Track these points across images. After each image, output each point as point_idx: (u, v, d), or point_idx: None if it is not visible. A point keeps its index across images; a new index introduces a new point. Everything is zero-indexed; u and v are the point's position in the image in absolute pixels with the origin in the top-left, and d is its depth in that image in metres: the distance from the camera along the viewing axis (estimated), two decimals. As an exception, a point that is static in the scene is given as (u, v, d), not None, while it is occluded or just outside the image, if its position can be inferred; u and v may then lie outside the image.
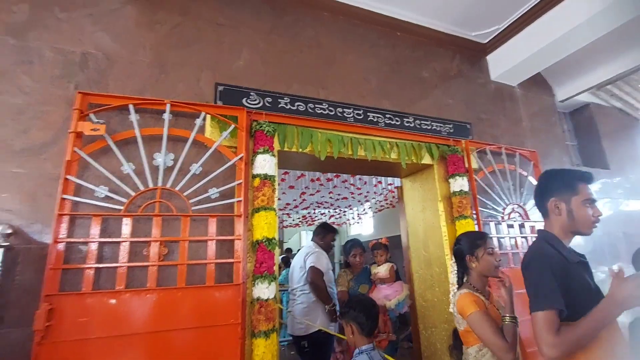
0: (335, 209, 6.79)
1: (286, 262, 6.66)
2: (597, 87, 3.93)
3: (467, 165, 2.80)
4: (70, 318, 1.59)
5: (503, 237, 2.79)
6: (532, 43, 3.01)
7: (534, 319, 1.17)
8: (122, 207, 1.79)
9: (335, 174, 4.64)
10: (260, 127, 2.15)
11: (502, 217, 2.83)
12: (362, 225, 9.00)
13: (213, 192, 1.99)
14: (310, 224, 8.28)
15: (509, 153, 3.03)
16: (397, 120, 2.75)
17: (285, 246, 10.49)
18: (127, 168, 1.85)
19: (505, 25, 3.18)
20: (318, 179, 4.84)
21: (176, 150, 1.99)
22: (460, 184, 2.68)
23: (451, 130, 2.95)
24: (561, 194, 1.35)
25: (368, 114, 2.66)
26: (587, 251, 3.12)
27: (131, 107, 1.92)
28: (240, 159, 2.06)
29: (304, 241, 11.05)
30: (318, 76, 2.59)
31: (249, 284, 1.94)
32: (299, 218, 7.36)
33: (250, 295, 1.92)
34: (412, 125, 2.80)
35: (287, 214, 6.88)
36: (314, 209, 6.63)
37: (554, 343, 1.11)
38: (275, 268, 2.02)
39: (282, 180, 4.70)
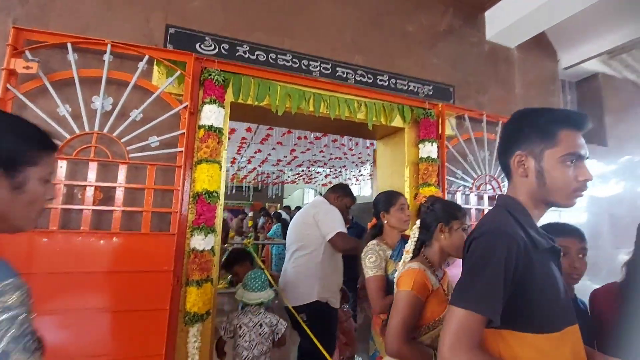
0: (329, 168, 6.72)
1: (278, 218, 6.78)
2: (609, 55, 3.57)
3: (440, 130, 2.64)
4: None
5: (470, 208, 2.69)
6: None
7: (451, 312, 0.85)
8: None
9: (323, 133, 4.52)
10: (210, 75, 2.04)
11: (472, 188, 2.72)
12: (360, 187, 8.97)
13: (153, 140, 1.94)
14: (307, 182, 8.30)
15: (490, 121, 2.84)
16: (369, 78, 2.57)
17: (285, 202, 10.67)
18: (63, 110, 1.81)
19: (508, -24, 2.84)
20: (305, 137, 4.74)
21: (119, 94, 1.92)
22: (428, 150, 2.55)
23: (430, 92, 2.76)
24: (531, 145, 0.94)
25: (337, 68, 2.49)
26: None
27: (69, 45, 1.83)
28: (185, 108, 1.98)
29: (306, 199, 11.16)
30: (285, 24, 2.41)
31: (189, 234, 1.95)
32: (294, 175, 7.35)
33: (188, 245, 1.94)
34: (386, 84, 2.62)
35: (281, 170, 6.87)
36: (308, 167, 6.58)
37: (457, 356, 0.80)
38: (218, 221, 2.03)
39: (268, 135, 4.62)
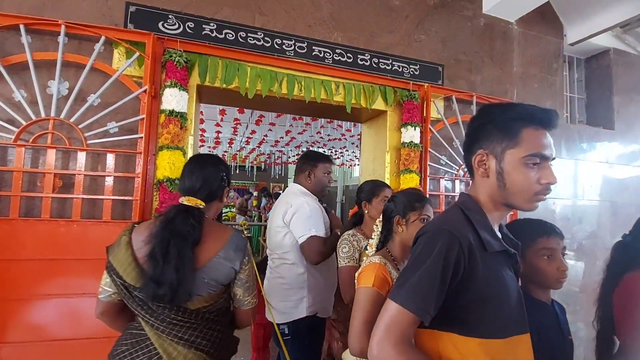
0: (329, 149, 6.61)
1: (270, 195, 6.76)
2: (623, 29, 3.27)
3: (425, 113, 2.49)
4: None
5: (453, 195, 2.57)
6: None
7: (385, 305, 0.82)
8: (12, 137, 1.74)
9: (301, 116, 4.38)
10: (171, 57, 1.94)
11: (457, 175, 2.58)
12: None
13: (112, 126, 1.88)
14: (309, 162, 8.22)
15: (481, 102, 2.66)
16: (349, 57, 2.42)
17: (289, 182, 10.66)
18: (18, 95, 1.76)
19: (508, -59, 2.57)
20: (301, 118, 4.61)
21: (78, 78, 1.85)
22: (411, 134, 2.41)
23: (416, 72, 2.59)
24: (492, 144, 0.88)
25: (313, 47, 2.35)
26: (561, 219, 2.93)
27: (22, 27, 1.76)
28: (145, 91, 1.90)
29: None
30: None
31: (152, 222, 1.92)
32: (294, 156, 7.26)
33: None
34: (367, 63, 2.46)
35: (280, 150, 6.79)
36: (307, 148, 6.48)
37: (384, 349, 0.77)
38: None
39: (262, 116, 4.51)
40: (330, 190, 8.58)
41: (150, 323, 1.11)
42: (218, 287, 1.17)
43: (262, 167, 9.32)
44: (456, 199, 2.52)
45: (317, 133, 5.39)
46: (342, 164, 7.65)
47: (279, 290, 1.91)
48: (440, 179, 2.54)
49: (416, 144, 2.41)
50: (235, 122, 4.74)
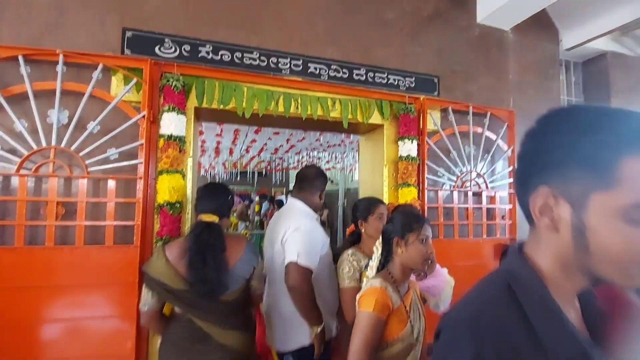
0: (329, 154, 6.63)
1: (279, 205, 6.78)
2: (620, 32, 3.27)
3: (421, 126, 2.50)
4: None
5: (451, 206, 2.58)
6: None
7: None
8: (14, 167, 1.78)
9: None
10: (168, 81, 1.97)
11: (455, 186, 2.60)
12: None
13: (112, 152, 1.91)
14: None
15: (478, 113, 2.67)
16: (344, 73, 2.44)
17: (291, 186, 10.70)
18: (19, 126, 1.79)
19: (500, -48, 2.58)
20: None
21: (77, 106, 1.88)
22: (408, 148, 2.43)
23: (412, 85, 2.61)
24: (566, 180, 0.51)
25: (309, 64, 2.37)
26: None
27: (21, 58, 1.79)
28: (143, 117, 1.93)
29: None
30: (251, 19, 2.28)
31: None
32: (295, 162, 7.30)
33: (154, 256, 1.94)
34: (363, 78, 2.48)
35: (281, 158, 6.82)
36: (308, 153, 6.50)
37: None
38: (184, 230, 2.01)
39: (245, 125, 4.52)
40: (332, 194, 8.59)
41: (198, 315, 1.42)
42: (243, 282, 1.50)
43: (264, 172, 9.35)
44: (455, 210, 2.55)
45: (316, 140, 5.41)
46: (343, 168, 7.68)
47: (280, 318, 1.76)
48: (439, 191, 2.55)
49: (413, 157, 2.42)
50: (235, 132, 4.77)
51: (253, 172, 9.18)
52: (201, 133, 4.63)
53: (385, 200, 2.48)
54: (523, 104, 2.94)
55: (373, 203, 1.91)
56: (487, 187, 2.67)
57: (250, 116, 2.19)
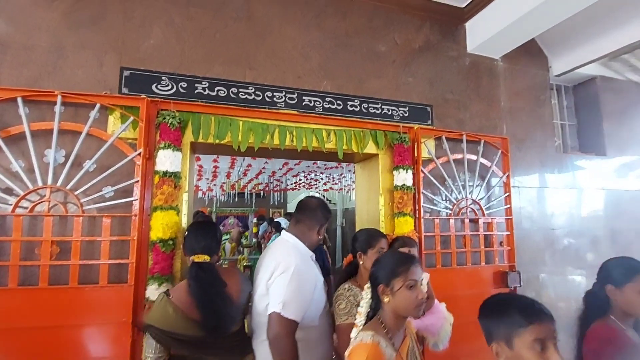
0: (327, 176, 6.65)
1: (277, 227, 6.75)
2: (609, 58, 3.34)
3: (416, 155, 2.53)
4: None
5: (448, 234, 2.58)
6: (521, 4, 2.46)
7: None
8: (10, 206, 1.78)
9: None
10: (165, 119, 1.99)
11: (451, 214, 2.60)
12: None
13: (107, 190, 1.92)
14: (308, 188, 8.24)
15: (472, 140, 2.70)
16: (338, 104, 2.48)
17: (289, 207, 10.67)
18: (16, 166, 1.80)
19: (487, -15, 2.67)
20: (296, 151, 4.67)
21: (74, 144, 1.90)
22: (403, 177, 2.44)
23: (406, 114, 2.65)
24: None
25: (303, 97, 2.41)
26: (562, 248, 2.92)
27: (19, 100, 1.82)
28: (139, 154, 1.95)
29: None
30: (246, 54, 2.34)
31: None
32: (292, 184, 7.32)
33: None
34: (357, 109, 2.52)
35: (278, 179, 6.84)
36: (306, 176, 6.53)
37: None
38: (176, 266, 2.00)
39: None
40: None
41: (212, 354, 1.48)
42: (243, 310, 1.62)
43: (261, 194, 9.35)
44: (452, 238, 2.53)
45: (313, 163, 5.44)
46: (341, 189, 7.70)
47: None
48: (435, 219, 2.55)
49: (408, 186, 2.43)
50: (232, 157, 4.81)
51: (251, 193, 9.19)
52: (198, 159, 4.66)
53: (383, 230, 2.48)
54: (516, 130, 2.98)
55: (374, 236, 1.85)
56: (483, 213, 2.67)
57: (245, 149, 2.22)
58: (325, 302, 1.72)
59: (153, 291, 1.85)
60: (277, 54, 2.41)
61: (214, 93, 2.22)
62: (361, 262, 1.82)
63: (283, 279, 1.51)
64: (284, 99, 2.36)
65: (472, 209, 2.67)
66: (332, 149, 2.40)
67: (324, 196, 9.56)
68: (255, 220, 9.33)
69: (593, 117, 3.51)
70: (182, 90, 2.16)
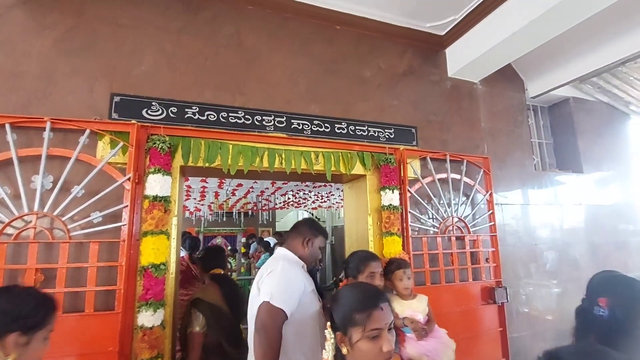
0: (315, 195, 6.69)
1: (266, 247, 6.70)
2: (580, 80, 3.55)
3: (402, 175, 2.60)
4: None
5: (436, 252, 2.63)
6: (496, 33, 2.63)
7: None
8: (-6, 234, 1.75)
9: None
10: (155, 144, 2.01)
11: (438, 232, 2.66)
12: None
13: (96, 216, 1.90)
14: (297, 207, 8.24)
15: (455, 160, 2.80)
16: (326, 127, 2.55)
17: (278, 226, 10.59)
18: (2, 192, 1.78)
19: (464, 14, 2.83)
20: (284, 171, 4.71)
21: (62, 170, 1.89)
22: (390, 197, 2.50)
23: (392, 136, 2.73)
24: None
25: (292, 121, 2.47)
26: (544, 263, 3.00)
27: (7, 126, 1.82)
28: (129, 179, 1.95)
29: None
30: (236, 80, 2.40)
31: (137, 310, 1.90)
32: (281, 203, 7.32)
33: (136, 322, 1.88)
34: (344, 131, 2.59)
35: (267, 199, 6.84)
36: (294, 195, 6.55)
37: None
38: (169, 292, 1.98)
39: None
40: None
41: (229, 339, 2.09)
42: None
43: (250, 213, 9.29)
44: (440, 256, 2.57)
45: (302, 182, 5.48)
46: (330, 206, 7.73)
47: None
48: (422, 238, 2.60)
49: (395, 206, 2.49)
50: (220, 179, 4.81)
51: (239, 213, 9.11)
52: (186, 179, 4.64)
53: (372, 249, 2.51)
54: (497, 149, 3.10)
55: (363, 260, 1.83)
56: (469, 231, 2.74)
57: (235, 172, 2.24)
58: (319, 310, 1.69)
59: (147, 318, 1.82)
60: (266, 79, 2.47)
61: (204, 117, 2.26)
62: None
63: (271, 276, 1.62)
64: (273, 122, 2.42)
65: (458, 227, 2.73)
66: (320, 170, 2.45)
67: (312, 214, 9.54)
68: (243, 240, 9.24)
69: (568, 136, 3.68)
70: (172, 115, 2.19)
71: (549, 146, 3.80)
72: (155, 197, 1.95)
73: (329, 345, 1.06)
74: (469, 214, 2.81)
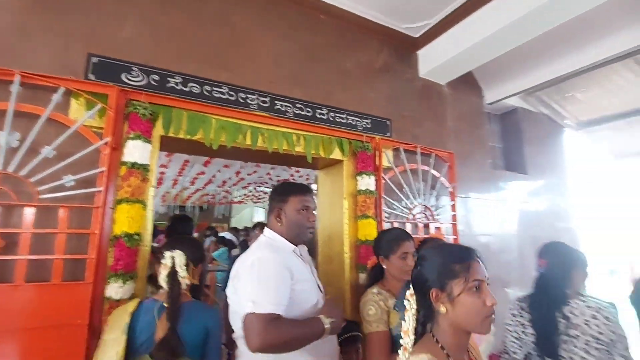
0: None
1: (222, 242, 6.52)
2: (526, 93, 3.98)
3: (377, 163, 2.73)
4: None
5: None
6: (463, 40, 2.89)
7: None
8: (-55, 192, 1.56)
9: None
10: (136, 109, 1.93)
11: (407, 219, 2.83)
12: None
13: (68, 179, 1.77)
14: (255, 202, 8.13)
15: (424, 153, 3.00)
16: (308, 112, 2.61)
17: (233, 222, 10.35)
18: (-42, 147, 1.60)
19: (437, 20, 3.06)
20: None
21: (29, 129, 1.73)
22: (366, 182, 2.62)
23: (369, 126, 2.86)
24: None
25: (275, 102, 2.49)
26: (497, 250, 3.31)
27: (-31, 76, 1.64)
28: (106, 143, 1.85)
29: (256, 219, 10.86)
30: (221, 56, 2.37)
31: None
32: (241, 196, 7.18)
33: (106, 293, 1.78)
34: (325, 117, 2.67)
35: (227, 190, 6.67)
36: (255, 188, 6.47)
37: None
38: (142, 265, 1.89)
39: (212, 158, 4.48)
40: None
41: None
42: None
43: (205, 206, 8.97)
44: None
45: (266, 174, 5.45)
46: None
47: None
48: (394, 223, 2.75)
49: (372, 191, 2.61)
50: (183, 164, 4.63)
51: (193, 206, 8.77)
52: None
53: (346, 231, 2.61)
54: (459, 147, 3.37)
55: (395, 239, 1.68)
56: (434, 219, 2.95)
57: (217, 148, 2.21)
58: (317, 298, 1.48)
59: (116, 290, 1.72)
60: (251, 58, 2.47)
61: (187, 89, 2.20)
62: (385, 267, 1.69)
63: (247, 275, 1.35)
64: (257, 101, 2.42)
65: (425, 215, 2.93)
66: (301, 152, 2.50)
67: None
68: (196, 235, 8.88)
69: (516, 142, 4.11)
70: (153, 83, 2.10)
71: (499, 150, 4.20)
72: (133, 164, 1.86)
73: (409, 316, 0.99)
74: (434, 204, 3.02)
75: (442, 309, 0.92)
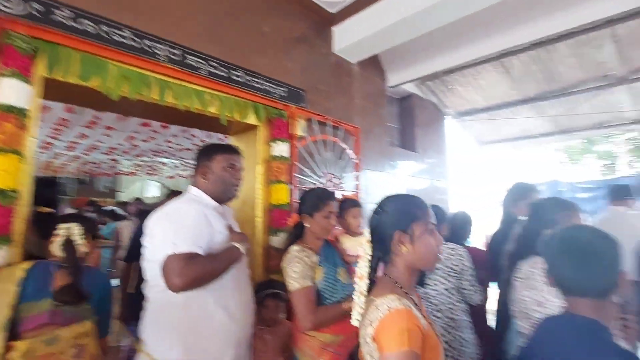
0: (178, 159, 6.16)
1: (112, 216, 5.81)
2: (420, 81, 4.52)
3: (291, 131, 2.79)
4: None
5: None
6: (374, 22, 3.04)
7: None
8: None
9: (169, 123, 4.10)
10: (12, 40, 1.57)
11: (316, 185, 2.99)
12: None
13: None
14: (150, 174, 7.39)
15: (334, 125, 3.18)
16: (223, 72, 2.48)
17: (122, 196, 9.24)
18: None
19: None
20: (148, 124, 4.20)
21: None
22: (281, 149, 2.66)
23: (284, 94, 2.88)
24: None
25: (187, 56, 2.30)
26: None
27: None
28: (-33, 78, 1.47)
29: (149, 193, 9.87)
30: (125, -5, 2.07)
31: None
32: (133, 166, 6.42)
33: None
34: (241, 80, 2.58)
35: (115, 159, 5.89)
36: (151, 157, 5.86)
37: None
38: (19, 228, 1.59)
39: (98, 118, 3.88)
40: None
41: None
42: None
43: (87, 178, 7.74)
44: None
45: (165, 141, 4.98)
46: (192, 176, 7.25)
47: (151, 325, 1.39)
48: (305, 189, 2.87)
49: (286, 157, 2.67)
50: (60, 122, 3.90)
51: (69, 178, 7.49)
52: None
53: (259, 196, 2.63)
54: (364, 123, 3.66)
55: (322, 198, 1.72)
56: (341, 187, 3.18)
57: (118, 99, 1.95)
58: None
59: (-16, 255, 1.43)
60: (163, 5, 2.23)
61: (80, 27, 1.87)
62: (307, 225, 1.71)
63: (163, 221, 1.37)
64: (166, 52, 2.20)
65: (332, 183, 3.13)
66: (215, 114, 2.39)
67: (165, 186, 8.69)
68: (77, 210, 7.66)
69: (409, 123, 4.66)
70: (35, 14, 1.73)
71: (396, 129, 4.70)
72: (8, 108, 1.54)
73: (363, 263, 1.06)
74: (340, 174, 3.24)
75: (404, 249, 1.00)
